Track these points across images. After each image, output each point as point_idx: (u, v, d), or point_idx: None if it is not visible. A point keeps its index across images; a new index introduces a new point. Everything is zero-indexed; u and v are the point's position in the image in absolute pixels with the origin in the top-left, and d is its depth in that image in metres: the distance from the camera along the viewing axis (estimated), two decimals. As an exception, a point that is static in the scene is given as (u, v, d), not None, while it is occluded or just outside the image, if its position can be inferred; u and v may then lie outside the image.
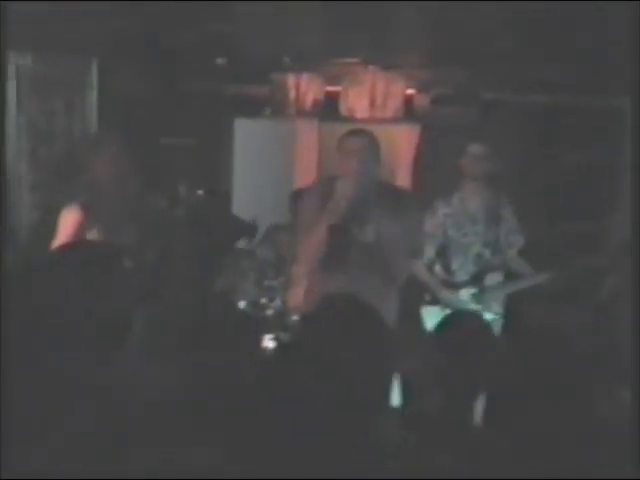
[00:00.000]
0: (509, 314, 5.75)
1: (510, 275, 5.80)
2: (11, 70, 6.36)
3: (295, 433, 2.39)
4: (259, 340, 6.13)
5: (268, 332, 6.35)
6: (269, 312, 6.70)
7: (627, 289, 5.16)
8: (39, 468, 2.11)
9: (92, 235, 5.01)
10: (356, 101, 8.05)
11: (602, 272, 6.10)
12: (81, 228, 4.99)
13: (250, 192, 8.02)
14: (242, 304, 6.59)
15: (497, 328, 5.67)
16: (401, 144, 8.25)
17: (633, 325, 4.39)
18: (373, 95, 8.01)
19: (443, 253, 5.71)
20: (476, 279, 5.69)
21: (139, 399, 2.47)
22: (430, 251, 5.71)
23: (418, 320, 5.63)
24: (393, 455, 2.53)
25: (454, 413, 2.90)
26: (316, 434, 2.38)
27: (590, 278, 5.88)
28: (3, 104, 6.07)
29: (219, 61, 7.59)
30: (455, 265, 5.72)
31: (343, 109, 8.11)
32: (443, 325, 3.33)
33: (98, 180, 5.09)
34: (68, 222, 4.99)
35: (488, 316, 5.59)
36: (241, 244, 7.15)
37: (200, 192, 7.45)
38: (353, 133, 4.90)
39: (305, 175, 8.03)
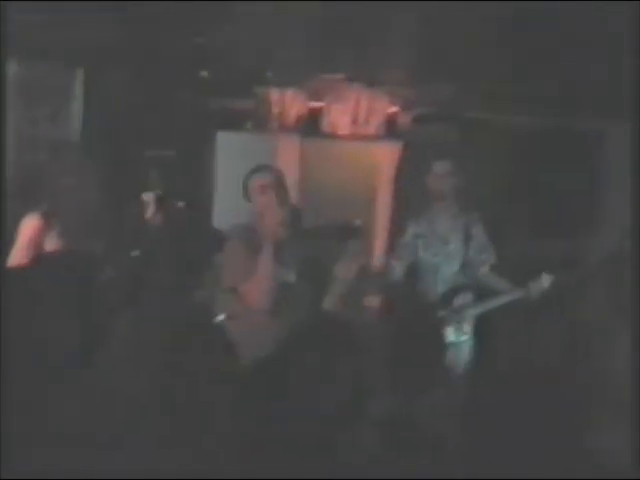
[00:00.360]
0: (480, 333, 5.74)
1: (482, 293, 5.78)
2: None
3: (274, 443, 2.37)
4: (237, 352, 6.09)
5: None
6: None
7: (622, 298, 5.17)
8: (39, 468, 2.09)
9: (51, 244, 4.92)
10: (339, 117, 8.07)
11: (576, 290, 6.10)
12: (40, 237, 4.90)
13: (231, 205, 7.97)
14: (220, 317, 6.55)
15: (468, 348, 5.66)
16: (382, 161, 8.26)
17: (633, 323, 4.40)
18: (356, 112, 8.03)
19: (413, 274, 5.69)
20: (447, 299, 5.66)
21: (128, 402, 2.45)
22: (399, 272, 5.69)
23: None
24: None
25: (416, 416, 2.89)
26: (294, 444, 2.36)
27: (564, 296, 5.88)
28: (4, 106, 6.04)
29: (203, 74, 7.58)
30: (425, 286, 5.70)
31: (325, 125, 8.13)
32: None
33: (63, 189, 5.03)
34: (27, 230, 4.90)
35: (459, 336, 5.58)
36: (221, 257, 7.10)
37: (181, 204, 7.41)
38: (258, 170, 4.92)
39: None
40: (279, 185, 4.84)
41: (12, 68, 6.41)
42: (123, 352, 2.72)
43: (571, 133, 7.45)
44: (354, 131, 8.09)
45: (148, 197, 5.40)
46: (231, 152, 8.08)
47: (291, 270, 4.86)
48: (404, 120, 7.99)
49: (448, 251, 5.69)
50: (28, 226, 4.93)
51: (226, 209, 7.97)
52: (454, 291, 5.67)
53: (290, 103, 8.06)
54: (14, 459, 2.11)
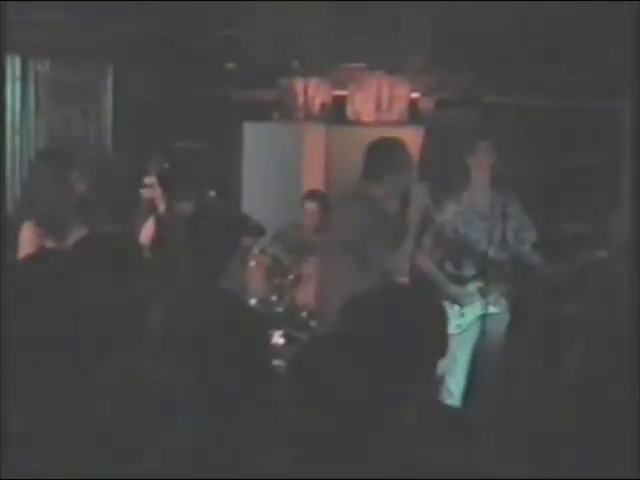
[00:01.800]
0: (515, 308, 5.68)
1: (521, 269, 5.75)
2: (30, 76, 6.38)
3: (305, 430, 2.26)
4: (269, 337, 6.08)
5: (278, 329, 6.31)
6: (278, 309, 6.67)
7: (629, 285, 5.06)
8: (39, 468, 2.06)
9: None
10: (362, 105, 8.03)
11: (605, 266, 6.03)
12: (37, 242, 4.77)
13: (259, 193, 7.98)
14: (252, 302, 6.53)
15: (503, 322, 5.68)
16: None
17: (633, 322, 4.26)
18: (378, 99, 8.00)
19: (454, 249, 5.66)
20: (484, 274, 5.63)
21: (139, 399, 2.36)
22: (441, 248, 5.67)
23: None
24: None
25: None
26: (330, 430, 2.24)
27: (594, 272, 5.82)
28: (3, 107, 6.03)
29: (229, 66, 7.56)
30: (466, 261, 5.68)
31: (349, 113, 8.10)
32: None
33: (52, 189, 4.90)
34: (24, 237, 4.79)
35: (494, 310, 5.55)
36: (251, 243, 7.09)
37: (212, 193, 7.40)
38: None
39: (313, 177, 7.99)
40: None
41: (43, 69, 6.43)
42: (148, 345, 2.64)
43: (587, 113, 7.34)
44: (378, 118, 8.03)
45: (151, 180, 5.09)
46: (258, 142, 8.07)
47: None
48: (426, 105, 7.93)
49: (486, 228, 5.67)
50: (25, 235, 4.80)
51: (254, 197, 7.97)
52: (493, 266, 5.64)
53: (314, 92, 8.06)
54: (14, 459, 2.06)
